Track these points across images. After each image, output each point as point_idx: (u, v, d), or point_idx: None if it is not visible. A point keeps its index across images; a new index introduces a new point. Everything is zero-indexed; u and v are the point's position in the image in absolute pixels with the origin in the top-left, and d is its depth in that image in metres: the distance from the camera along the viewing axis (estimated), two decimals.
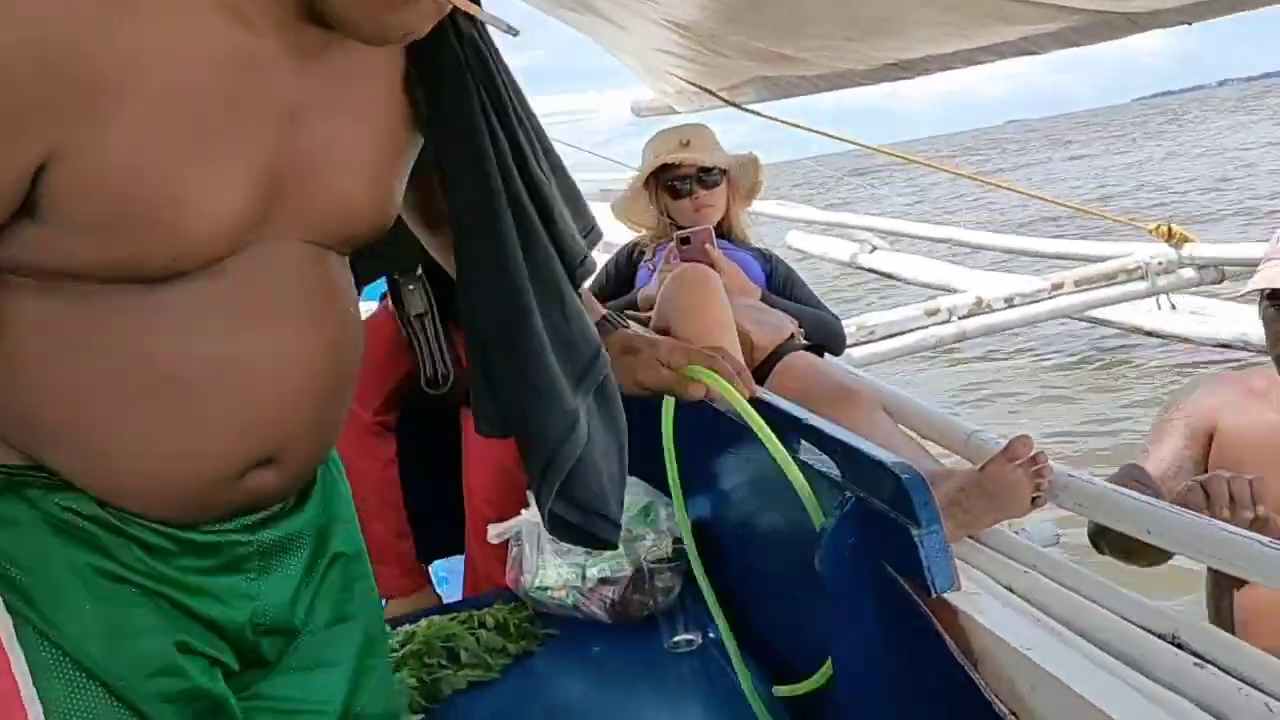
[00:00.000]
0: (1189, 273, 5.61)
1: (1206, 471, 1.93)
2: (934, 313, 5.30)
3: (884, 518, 1.22)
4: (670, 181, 2.93)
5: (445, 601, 2.36)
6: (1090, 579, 1.42)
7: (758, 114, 4.23)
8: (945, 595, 1.15)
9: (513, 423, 1.16)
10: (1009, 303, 5.40)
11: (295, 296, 0.98)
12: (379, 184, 1.05)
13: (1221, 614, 1.99)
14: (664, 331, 2.37)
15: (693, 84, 3.99)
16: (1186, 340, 5.60)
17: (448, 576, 2.68)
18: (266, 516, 1.04)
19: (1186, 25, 1.87)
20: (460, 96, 1.09)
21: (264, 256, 0.94)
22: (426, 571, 2.51)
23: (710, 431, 1.82)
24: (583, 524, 1.21)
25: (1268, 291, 1.92)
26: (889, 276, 7.39)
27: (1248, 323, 5.18)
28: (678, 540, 1.87)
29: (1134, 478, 1.89)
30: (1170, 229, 5.62)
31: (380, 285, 2.36)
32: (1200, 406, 2.04)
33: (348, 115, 0.99)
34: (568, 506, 1.20)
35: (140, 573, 0.95)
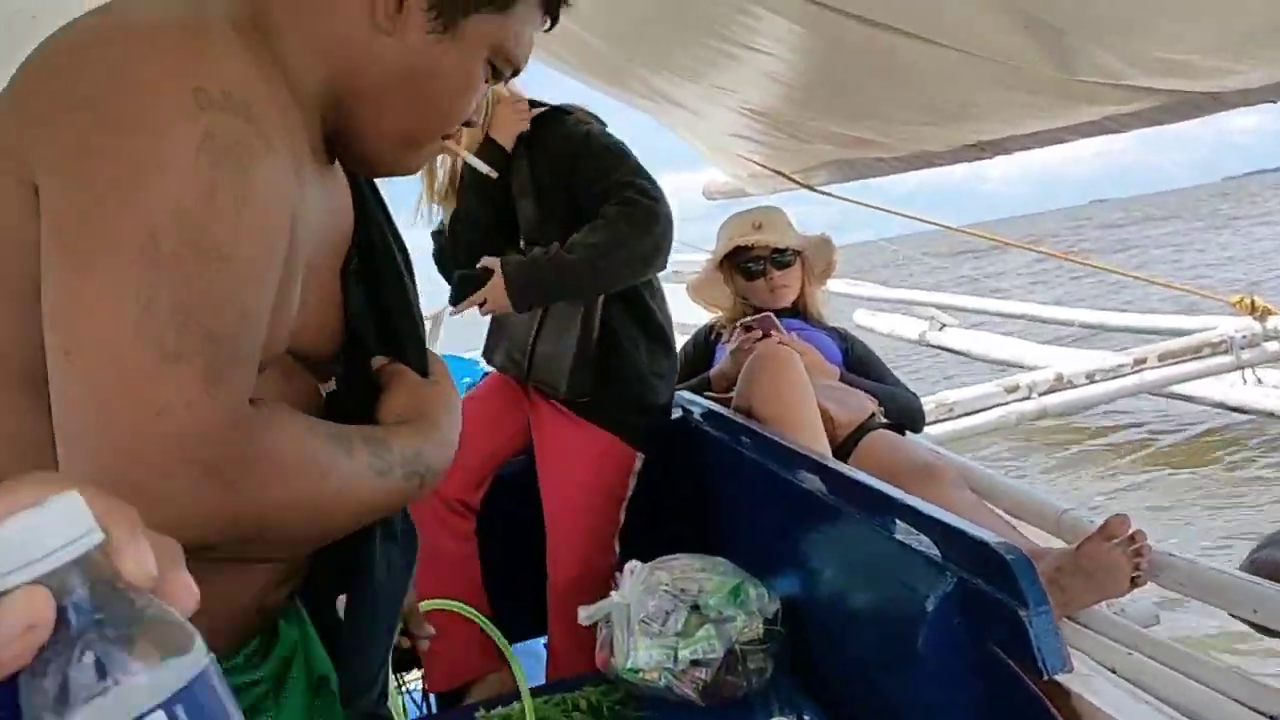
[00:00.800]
0: (1274, 346, 5.50)
1: None
2: (1014, 389, 5.23)
3: (988, 598, 1.22)
4: (744, 263, 2.98)
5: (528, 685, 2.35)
6: (1194, 659, 1.40)
7: (830, 195, 4.27)
8: (1057, 677, 1.14)
9: None
10: (1090, 378, 5.31)
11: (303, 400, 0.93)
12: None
13: None
14: (747, 412, 2.39)
15: (766, 167, 4.05)
16: (1272, 415, 5.46)
17: (525, 660, 2.67)
18: (260, 643, 0.96)
19: (1272, 103, 1.87)
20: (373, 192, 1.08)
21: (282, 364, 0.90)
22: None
23: (800, 508, 1.83)
24: None
25: None
26: (960, 354, 7.30)
27: None
28: (769, 621, 1.86)
29: None
30: (1254, 302, 5.53)
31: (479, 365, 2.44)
32: None
33: (336, 243, 0.97)
34: None
35: None
